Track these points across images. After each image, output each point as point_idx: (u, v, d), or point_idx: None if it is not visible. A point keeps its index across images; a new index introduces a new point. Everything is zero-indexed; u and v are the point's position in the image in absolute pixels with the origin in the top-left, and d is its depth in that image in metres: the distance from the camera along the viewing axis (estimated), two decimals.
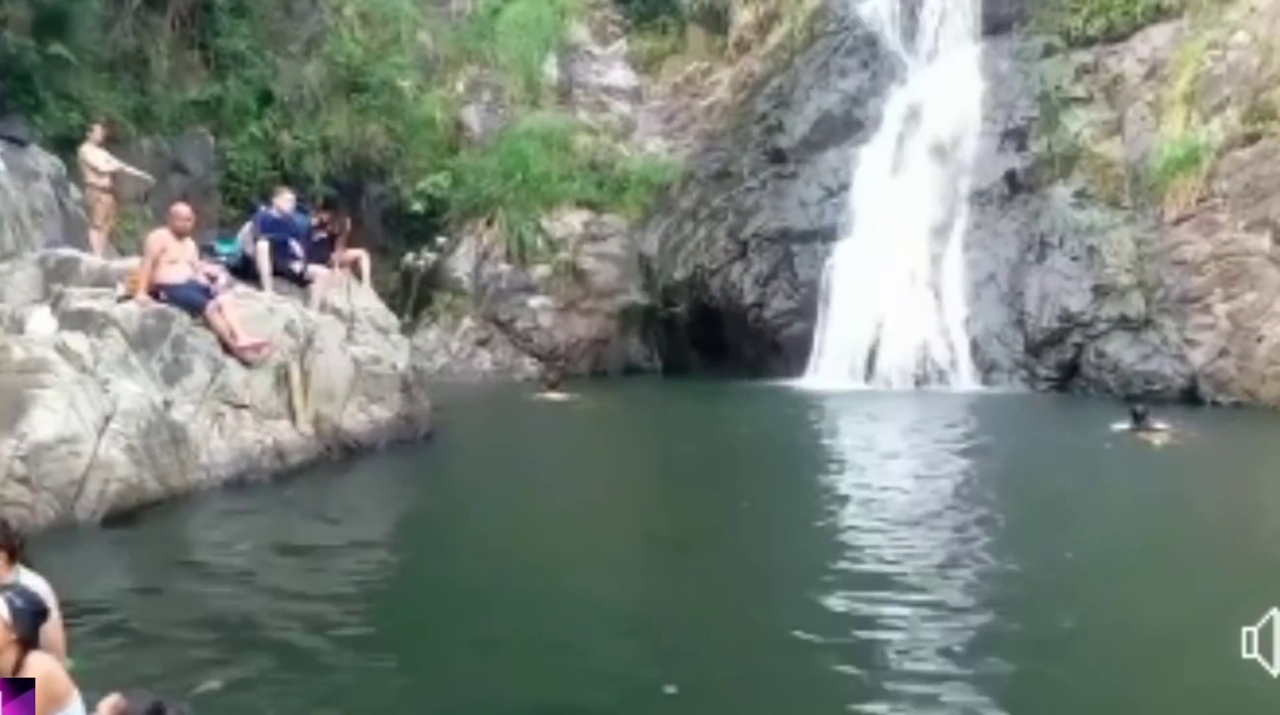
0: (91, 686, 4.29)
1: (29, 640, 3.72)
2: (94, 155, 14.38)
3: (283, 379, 10.47)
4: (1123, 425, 12.84)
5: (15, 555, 4.55)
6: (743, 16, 23.58)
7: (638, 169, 22.15)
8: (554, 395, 16.57)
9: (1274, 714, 4.81)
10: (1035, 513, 8.98)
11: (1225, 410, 15.74)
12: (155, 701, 3.43)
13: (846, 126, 20.74)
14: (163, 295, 10.05)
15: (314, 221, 12.90)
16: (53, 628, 4.59)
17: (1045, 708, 4.88)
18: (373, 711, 4.80)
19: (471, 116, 22.64)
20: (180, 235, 10.41)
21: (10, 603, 3.70)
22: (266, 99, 20.13)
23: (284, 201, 12.42)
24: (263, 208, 12.65)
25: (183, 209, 10.79)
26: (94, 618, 5.69)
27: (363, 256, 13.27)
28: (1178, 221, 17.05)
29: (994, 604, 6.28)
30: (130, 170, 14.80)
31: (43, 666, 3.74)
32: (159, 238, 10.39)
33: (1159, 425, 12.65)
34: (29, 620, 3.73)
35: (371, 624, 6.08)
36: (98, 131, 14.68)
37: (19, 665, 3.65)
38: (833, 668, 5.33)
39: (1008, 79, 19.95)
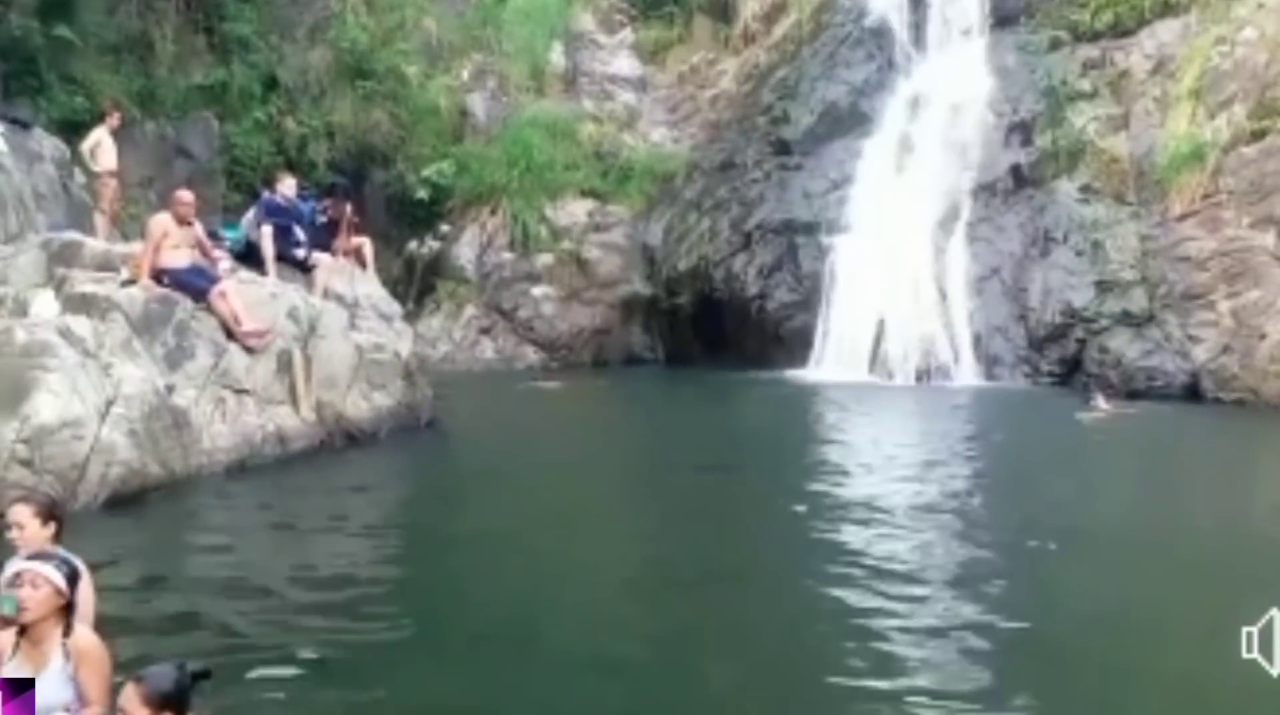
0: None
1: (72, 606, 3.79)
2: (103, 143, 14.28)
3: (285, 365, 10.49)
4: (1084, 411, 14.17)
5: (60, 534, 4.58)
6: (749, 7, 23.51)
7: (642, 159, 22.11)
8: (550, 384, 16.76)
9: (1274, 714, 4.81)
10: (1030, 510, 8.96)
11: (1226, 407, 15.72)
12: (176, 672, 3.34)
13: (852, 119, 20.70)
14: (165, 280, 10.06)
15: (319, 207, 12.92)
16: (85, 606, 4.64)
17: (1044, 707, 4.87)
18: (368, 694, 4.82)
19: (476, 104, 22.59)
20: (182, 221, 10.41)
21: (59, 569, 3.78)
22: (271, 84, 20.09)
23: (286, 187, 12.41)
24: (265, 193, 12.65)
25: (185, 195, 10.79)
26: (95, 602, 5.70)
27: (366, 243, 13.27)
28: (1182, 218, 17.01)
29: (988, 605, 6.28)
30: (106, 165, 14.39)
31: (92, 636, 3.83)
32: (160, 222, 10.39)
33: (1104, 405, 13.94)
34: (74, 586, 3.81)
35: (370, 610, 6.09)
36: (116, 118, 14.57)
37: (68, 630, 3.74)
38: (824, 667, 5.35)
39: (1014, 73, 19.89)
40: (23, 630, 3.73)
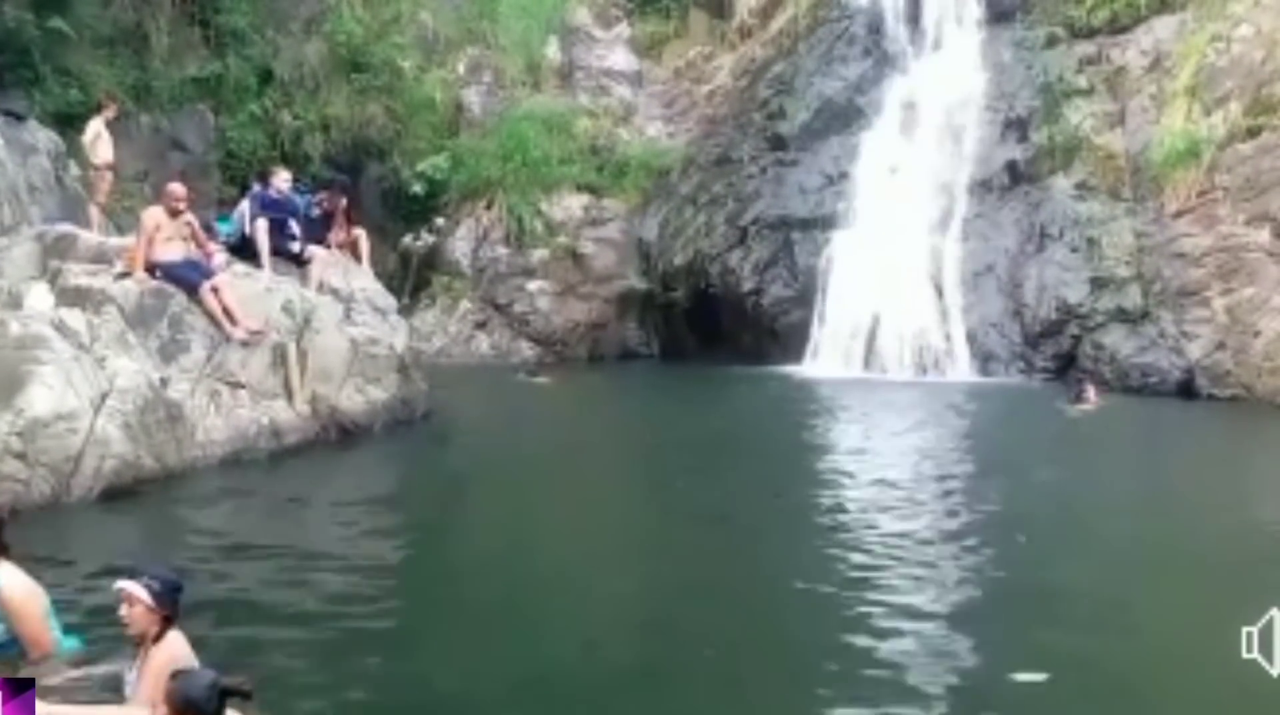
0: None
1: (173, 616, 4.04)
2: (101, 136, 14.25)
3: (280, 358, 10.47)
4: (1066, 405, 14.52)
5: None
6: (745, 2, 23.48)
7: (638, 153, 22.07)
8: (544, 379, 16.80)
9: (1274, 714, 4.81)
10: (1027, 508, 8.96)
11: (1220, 404, 15.75)
12: (208, 682, 3.43)
13: (848, 114, 20.69)
14: (159, 273, 10.04)
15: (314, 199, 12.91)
16: (36, 621, 4.59)
17: (1044, 708, 4.87)
18: (366, 685, 4.83)
19: (472, 98, 22.54)
20: (174, 214, 10.38)
21: (149, 587, 3.98)
22: (266, 77, 20.05)
23: (280, 181, 12.39)
24: (258, 186, 12.62)
25: (177, 188, 10.77)
26: (88, 595, 5.69)
27: (361, 237, 13.25)
28: (1178, 214, 17.03)
29: (986, 604, 6.29)
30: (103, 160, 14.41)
31: (176, 646, 3.98)
32: (153, 215, 10.37)
33: (1092, 397, 14.51)
34: (171, 598, 4.03)
35: (363, 602, 6.10)
36: (112, 110, 14.54)
37: (160, 637, 3.99)
38: (817, 659, 5.36)
39: (1010, 69, 19.90)
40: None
